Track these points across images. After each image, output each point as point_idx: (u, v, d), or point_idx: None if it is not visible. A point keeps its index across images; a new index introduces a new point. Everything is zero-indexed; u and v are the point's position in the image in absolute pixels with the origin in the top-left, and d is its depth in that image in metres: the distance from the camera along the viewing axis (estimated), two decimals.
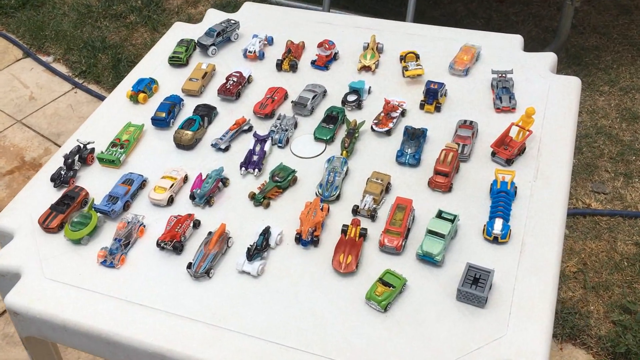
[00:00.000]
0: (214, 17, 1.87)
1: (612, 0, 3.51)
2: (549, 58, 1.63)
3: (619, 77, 3.02)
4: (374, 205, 1.30)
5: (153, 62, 1.74)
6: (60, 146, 2.90)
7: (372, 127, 1.49)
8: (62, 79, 3.33)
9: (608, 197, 2.49)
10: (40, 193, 1.40)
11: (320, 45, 1.68)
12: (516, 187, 1.32)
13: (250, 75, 1.65)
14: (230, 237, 1.27)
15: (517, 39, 1.71)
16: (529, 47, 1.72)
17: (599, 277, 2.22)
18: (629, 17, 3.39)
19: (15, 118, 3.13)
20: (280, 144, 1.47)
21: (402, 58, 1.66)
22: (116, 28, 3.59)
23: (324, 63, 1.67)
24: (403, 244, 1.23)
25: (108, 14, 3.68)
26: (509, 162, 1.38)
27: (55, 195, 1.38)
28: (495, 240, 1.23)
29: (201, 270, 1.20)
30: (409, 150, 1.41)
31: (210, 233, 1.26)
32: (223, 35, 1.76)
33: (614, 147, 2.68)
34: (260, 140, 1.46)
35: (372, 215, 1.30)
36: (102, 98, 3.18)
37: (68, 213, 1.32)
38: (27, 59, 3.48)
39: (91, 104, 3.18)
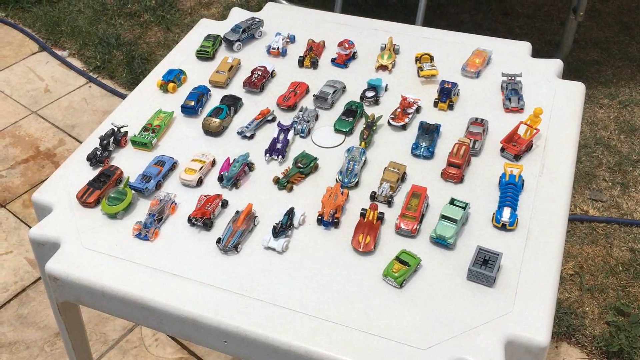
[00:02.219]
0: (237, 15, 1.95)
1: (614, 17, 3.62)
2: (556, 64, 1.73)
3: (618, 91, 3.12)
4: (391, 192, 1.39)
5: (180, 55, 1.82)
6: (74, 138, 3.01)
7: (388, 122, 1.58)
8: (77, 73, 3.41)
9: (605, 204, 2.58)
10: (76, 172, 1.48)
11: (340, 44, 1.77)
12: (523, 180, 1.40)
13: (273, 70, 1.73)
14: (256, 217, 1.35)
15: (525, 46, 1.80)
16: None
17: (595, 280, 2.31)
18: (630, 34, 3.50)
19: (30, 109, 3.21)
20: (302, 134, 1.55)
21: (417, 59, 1.74)
22: (130, 26, 3.68)
23: (343, 61, 1.76)
24: (418, 227, 1.32)
25: (123, 12, 3.77)
26: (517, 157, 1.47)
27: (90, 174, 1.46)
28: (503, 227, 1.31)
29: (230, 245, 1.28)
30: (424, 143, 1.50)
31: (237, 212, 1.35)
32: (248, 32, 1.84)
33: (612, 158, 2.77)
34: (284, 129, 1.54)
35: (389, 201, 1.38)
36: (116, 93, 3.27)
37: (104, 190, 1.40)
38: (42, 52, 3.56)
39: (105, 98, 3.26)
